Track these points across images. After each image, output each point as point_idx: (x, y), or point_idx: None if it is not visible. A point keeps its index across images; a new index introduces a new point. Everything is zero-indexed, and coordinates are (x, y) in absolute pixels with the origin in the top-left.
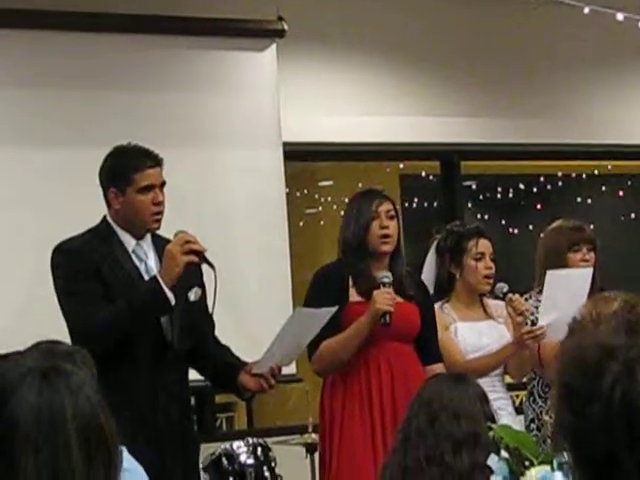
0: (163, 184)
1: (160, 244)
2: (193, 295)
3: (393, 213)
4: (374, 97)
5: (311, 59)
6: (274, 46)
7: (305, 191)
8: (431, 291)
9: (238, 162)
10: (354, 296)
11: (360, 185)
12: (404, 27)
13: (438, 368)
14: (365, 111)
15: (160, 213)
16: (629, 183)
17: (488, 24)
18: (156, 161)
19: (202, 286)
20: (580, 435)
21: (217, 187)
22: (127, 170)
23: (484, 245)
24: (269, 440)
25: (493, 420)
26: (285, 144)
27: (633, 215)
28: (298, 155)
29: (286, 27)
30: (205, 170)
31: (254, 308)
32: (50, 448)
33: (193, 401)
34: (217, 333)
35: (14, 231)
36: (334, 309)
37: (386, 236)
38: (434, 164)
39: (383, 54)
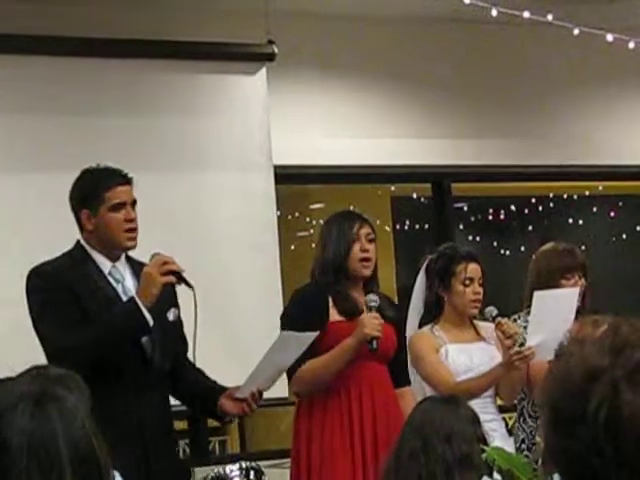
0: (134, 202)
1: (137, 267)
2: (172, 315)
3: (373, 236)
4: (365, 120)
5: (301, 82)
6: (264, 70)
7: (296, 214)
8: (421, 312)
9: (229, 185)
10: (334, 316)
11: (351, 208)
12: (395, 50)
13: (408, 391)
14: (356, 134)
15: (134, 230)
16: (620, 204)
17: (479, 47)
18: (126, 179)
19: (177, 306)
20: (569, 457)
21: (208, 210)
22: (98, 189)
23: (473, 270)
24: (262, 464)
25: (485, 441)
26: (276, 167)
27: (624, 236)
28: (289, 178)
29: (276, 50)
30: (196, 194)
31: (246, 331)
32: (43, 474)
33: (186, 425)
34: (209, 356)
35: (3, 256)
36: (316, 334)
37: (367, 260)
38: (425, 186)
39: (374, 77)
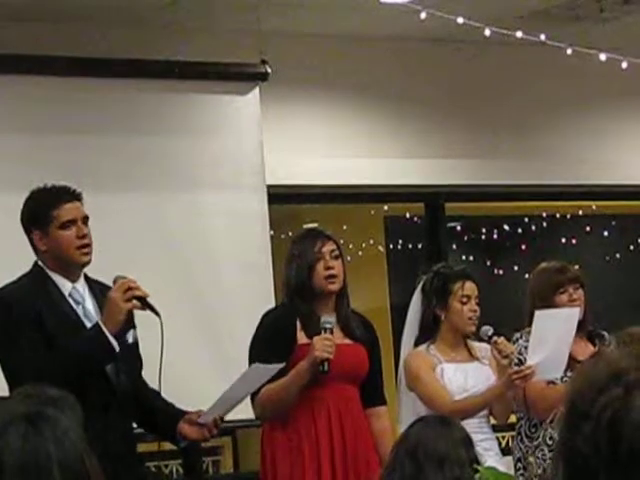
0: (86, 218)
1: (95, 287)
2: (131, 337)
3: (337, 253)
4: (358, 140)
5: (294, 102)
6: (257, 89)
7: (290, 233)
8: (416, 332)
9: (222, 205)
10: (302, 338)
11: (345, 227)
12: (388, 70)
13: (381, 411)
14: (349, 154)
15: (87, 246)
16: (613, 223)
17: (472, 66)
18: (74, 196)
19: (135, 327)
20: (571, 451)
21: (201, 230)
22: (46, 208)
23: (470, 288)
24: None
25: (477, 462)
26: (269, 187)
27: (618, 255)
28: (282, 198)
29: (269, 70)
30: (189, 214)
31: (239, 351)
32: None
33: None
34: (204, 376)
35: None
36: (282, 365)
37: (332, 276)
38: (418, 206)
39: (367, 97)
